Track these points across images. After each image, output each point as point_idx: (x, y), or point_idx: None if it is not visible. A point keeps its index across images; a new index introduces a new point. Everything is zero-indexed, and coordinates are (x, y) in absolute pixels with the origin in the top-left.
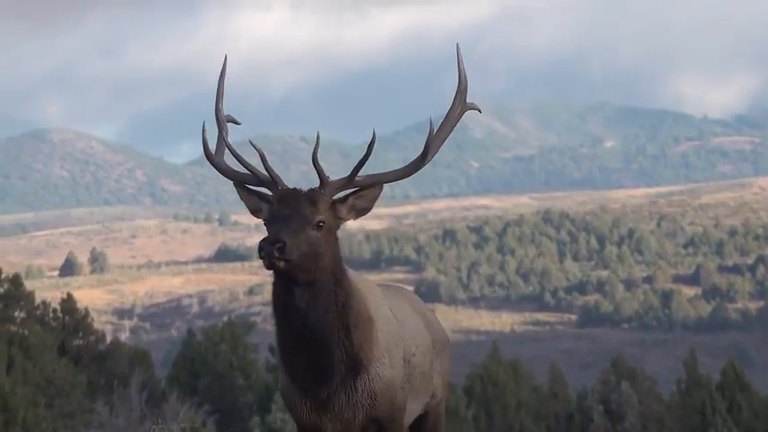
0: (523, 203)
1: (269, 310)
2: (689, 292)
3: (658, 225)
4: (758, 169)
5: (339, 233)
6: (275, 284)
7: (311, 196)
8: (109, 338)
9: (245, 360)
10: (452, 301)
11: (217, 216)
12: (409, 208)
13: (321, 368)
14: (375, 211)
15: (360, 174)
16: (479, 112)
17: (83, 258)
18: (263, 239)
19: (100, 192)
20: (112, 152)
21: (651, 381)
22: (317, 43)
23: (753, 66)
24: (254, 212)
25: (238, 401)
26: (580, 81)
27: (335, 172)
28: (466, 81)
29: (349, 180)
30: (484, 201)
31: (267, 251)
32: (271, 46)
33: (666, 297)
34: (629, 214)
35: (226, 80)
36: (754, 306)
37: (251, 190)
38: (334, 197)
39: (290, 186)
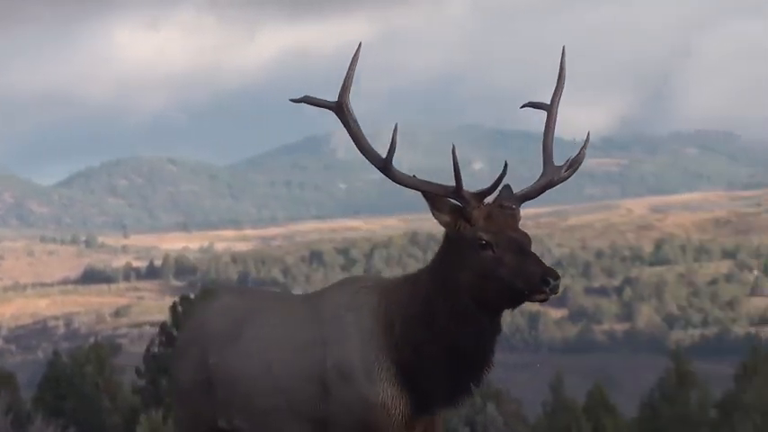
0: (391, 225)
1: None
2: (555, 313)
3: None
4: (625, 192)
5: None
6: (486, 310)
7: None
8: None
9: (110, 382)
10: None
11: (83, 238)
12: (276, 230)
13: (472, 388)
14: (241, 232)
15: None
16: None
17: None
18: (549, 273)
19: None
20: None
21: (517, 403)
22: (197, 64)
23: (620, 89)
24: (444, 225)
25: (104, 423)
26: (452, 103)
27: (202, 194)
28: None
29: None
30: (351, 222)
31: (556, 287)
32: (152, 66)
33: (533, 319)
34: None
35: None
36: (620, 328)
37: (447, 202)
38: None
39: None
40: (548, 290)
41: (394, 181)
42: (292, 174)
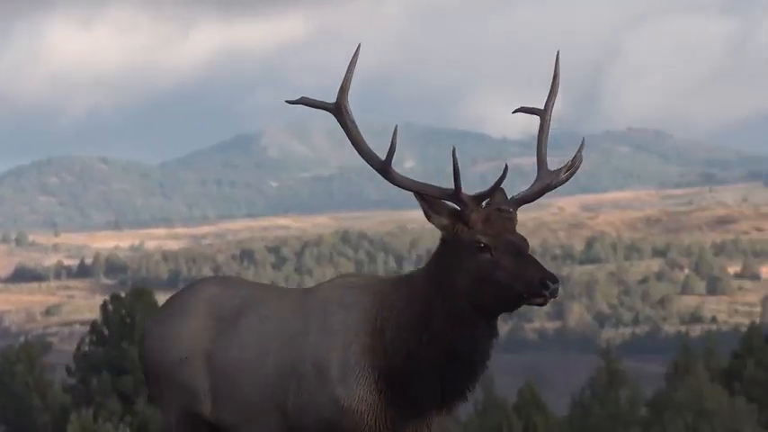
0: (322, 223)
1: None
2: None
3: None
4: (557, 190)
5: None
6: (483, 314)
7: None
8: None
9: (41, 380)
10: None
11: (14, 236)
12: (207, 228)
13: (465, 392)
14: (172, 230)
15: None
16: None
17: None
18: (548, 277)
19: None
20: None
21: None
22: (132, 63)
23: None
24: (441, 227)
25: (35, 422)
26: (385, 101)
27: (133, 193)
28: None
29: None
30: (282, 221)
31: (555, 290)
32: (84, 65)
33: None
34: (426, 234)
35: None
36: (551, 326)
37: (445, 205)
38: None
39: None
40: (547, 293)
41: (393, 183)
42: (224, 172)
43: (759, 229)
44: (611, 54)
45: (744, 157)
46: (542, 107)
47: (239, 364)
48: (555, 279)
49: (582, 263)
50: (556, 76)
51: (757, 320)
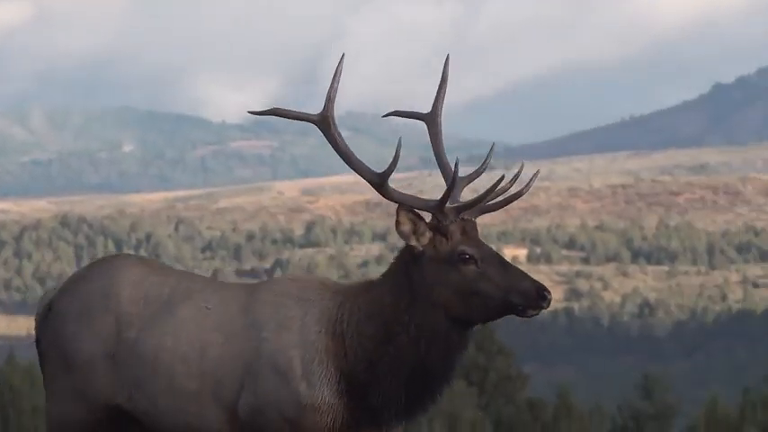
0: (41, 208)
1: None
2: None
3: (176, 229)
4: (276, 173)
5: None
6: (459, 326)
7: None
8: None
9: None
10: None
11: None
12: None
13: (428, 404)
14: None
15: None
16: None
17: None
18: (544, 288)
19: None
20: None
21: None
22: None
23: (272, 71)
24: (407, 237)
25: None
26: (102, 85)
27: None
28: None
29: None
30: (1, 205)
31: (550, 301)
32: None
33: None
34: (146, 218)
35: None
36: None
37: (419, 216)
38: None
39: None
40: (544, 304)
41: (386, 197)
42: None
43: None
44: (331, 37)
45: (463, 141)
46: (431, 111)
47: (173, 355)
48: (548, 290)
49: (302, 246)
50: (444, 80)
51: None
